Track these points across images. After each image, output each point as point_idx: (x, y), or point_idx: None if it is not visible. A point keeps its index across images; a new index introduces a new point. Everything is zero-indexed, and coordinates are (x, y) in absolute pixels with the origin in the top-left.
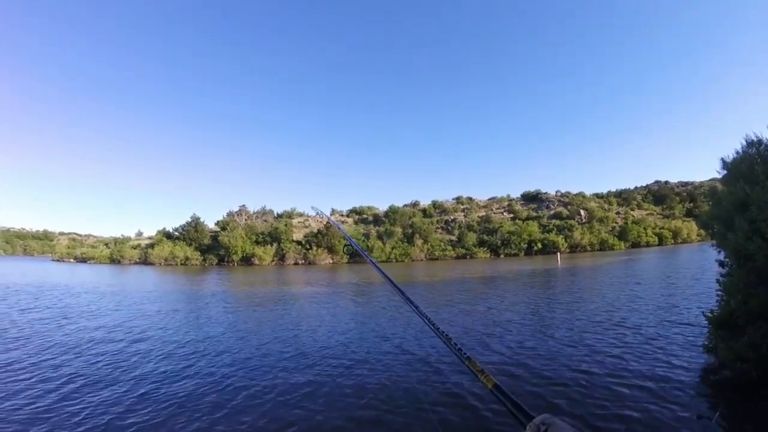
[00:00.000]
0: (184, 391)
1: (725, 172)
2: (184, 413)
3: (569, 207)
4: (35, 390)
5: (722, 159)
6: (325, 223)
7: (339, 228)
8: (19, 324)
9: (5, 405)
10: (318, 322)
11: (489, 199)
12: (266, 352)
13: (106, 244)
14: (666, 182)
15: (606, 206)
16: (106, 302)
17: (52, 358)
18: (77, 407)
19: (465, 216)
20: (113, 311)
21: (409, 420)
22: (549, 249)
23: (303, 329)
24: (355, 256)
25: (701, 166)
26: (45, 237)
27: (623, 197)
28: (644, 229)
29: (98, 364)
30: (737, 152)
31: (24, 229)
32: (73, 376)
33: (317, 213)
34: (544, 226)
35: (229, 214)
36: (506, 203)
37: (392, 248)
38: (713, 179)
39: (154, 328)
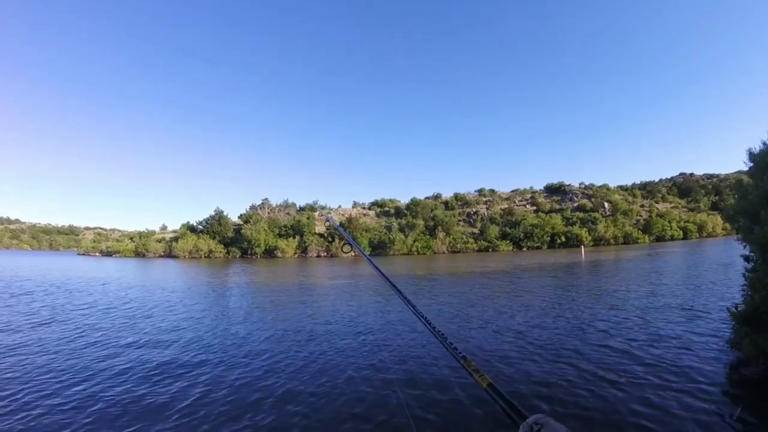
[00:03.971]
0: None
1: (752, 164)
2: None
3: (593, 199)
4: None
5: (749, 151)
6: (347, 215)
7: (335, 224)
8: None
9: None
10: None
11: (512, 192)
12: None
13: (131, 238)
14: (691, 174)
15: (630, 199)
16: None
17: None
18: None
19: (487, 208)
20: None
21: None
22: (572, 242)
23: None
24: (375, 248)
25: (727, 157)
26: (71, 232)
27: (648, 189)
28: (669, 222)
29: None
30: (764, 144)
31: (50, 224)
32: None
33: (319, 213)
34: (568, 218)
35: (252, 207)
36: (529, 195)
37: (414, 241)
38: (739, 171)
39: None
